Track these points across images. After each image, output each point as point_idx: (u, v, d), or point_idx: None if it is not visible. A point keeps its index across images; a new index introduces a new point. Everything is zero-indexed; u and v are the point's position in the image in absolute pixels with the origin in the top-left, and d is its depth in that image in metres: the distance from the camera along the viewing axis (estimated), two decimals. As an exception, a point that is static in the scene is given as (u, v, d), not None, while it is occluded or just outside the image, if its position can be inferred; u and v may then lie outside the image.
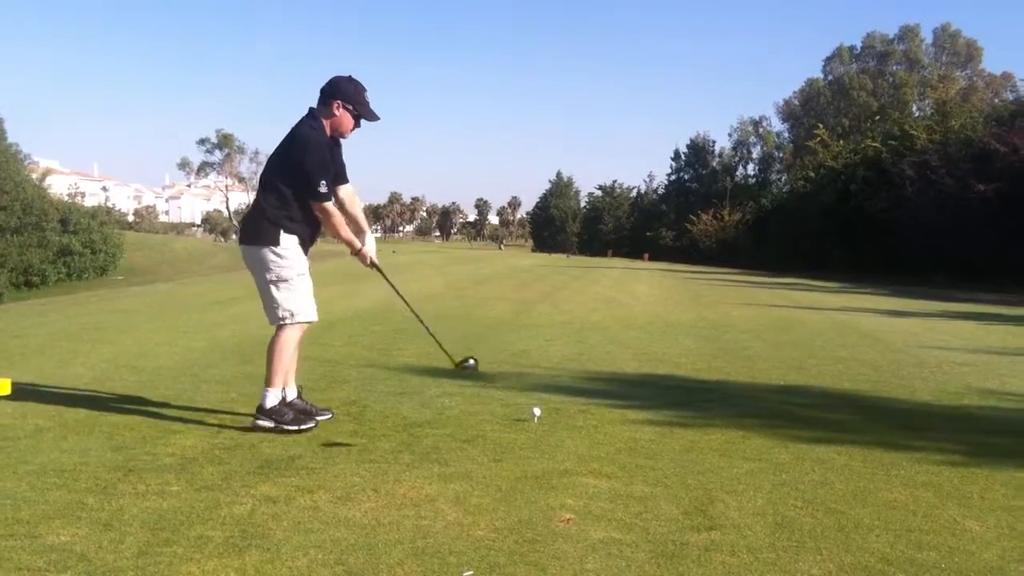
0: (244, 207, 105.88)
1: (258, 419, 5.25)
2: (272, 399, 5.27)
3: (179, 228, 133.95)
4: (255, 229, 5.32)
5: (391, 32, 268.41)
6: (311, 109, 5.35)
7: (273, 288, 5.31)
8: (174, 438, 5.01)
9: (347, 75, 5.39)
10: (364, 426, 5.35)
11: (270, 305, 5.34)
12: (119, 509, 3.77)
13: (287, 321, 5.32)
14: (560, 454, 4.91)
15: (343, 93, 5.32)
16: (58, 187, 68.89)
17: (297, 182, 5.24)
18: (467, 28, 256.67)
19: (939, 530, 3.85)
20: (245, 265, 5.47)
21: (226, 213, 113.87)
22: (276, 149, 5.42)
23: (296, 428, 5.24)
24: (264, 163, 5.58)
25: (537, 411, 5.67)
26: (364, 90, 5.39)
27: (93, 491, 4.00)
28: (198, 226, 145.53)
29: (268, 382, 5.28)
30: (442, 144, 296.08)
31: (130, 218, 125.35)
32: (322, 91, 5.36)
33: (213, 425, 5.36)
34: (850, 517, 3.98)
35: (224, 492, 4.03)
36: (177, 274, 26.80)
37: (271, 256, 5.28)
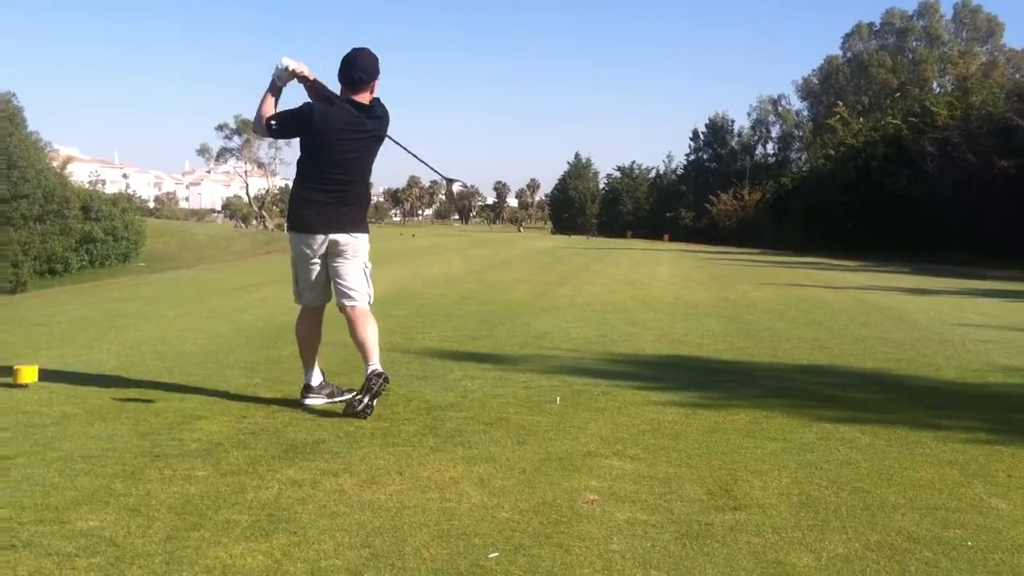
0: (264, 192, 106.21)
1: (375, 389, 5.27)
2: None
3: (199, 214, 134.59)
4: (359, 218, 5.49)
5: (409, 14, 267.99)
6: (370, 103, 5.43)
7: (367, 273, 5.51)
8: (199, 423, 5.04)
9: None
10: (387, 410, 5.37)
11: (363, 290, 5.47)
12: (146, 494, 3.80)
13: (371, 301, 5.53)
14: (583, 436, 4.91)
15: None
16: (79, 175, 69.30)
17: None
18: (485, 10, 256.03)
19: (965, 508, 3.83)
20: (331, 252, 5.42)
21: (246, 199, 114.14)
22: (364, 133, 5.38)
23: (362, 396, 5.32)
24: (351, 152, 5.40)
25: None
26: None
27: (120, 476, 4.04)
28: (218, 212, 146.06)
29: (374, 357, 5.34)
30: (460, 127, 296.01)
31: (151, 205, 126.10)
32: (375, 71, 5.41)
33: (238, 410, 5.38)
34: (876, 496, 3.97)
35: (250, 476, 4.06)
36: (199, 260, 26.92)
37: (367, 244, 5.55)
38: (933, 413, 5.75)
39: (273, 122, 5.34)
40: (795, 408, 5.75)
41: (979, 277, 22.79)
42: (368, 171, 5.52)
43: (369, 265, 5.53)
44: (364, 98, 5.38)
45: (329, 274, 5.48)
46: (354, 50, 5.38)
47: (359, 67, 5.33)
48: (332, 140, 5.27)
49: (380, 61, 5.43)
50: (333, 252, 5.39)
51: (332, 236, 5.33)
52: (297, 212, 5.44)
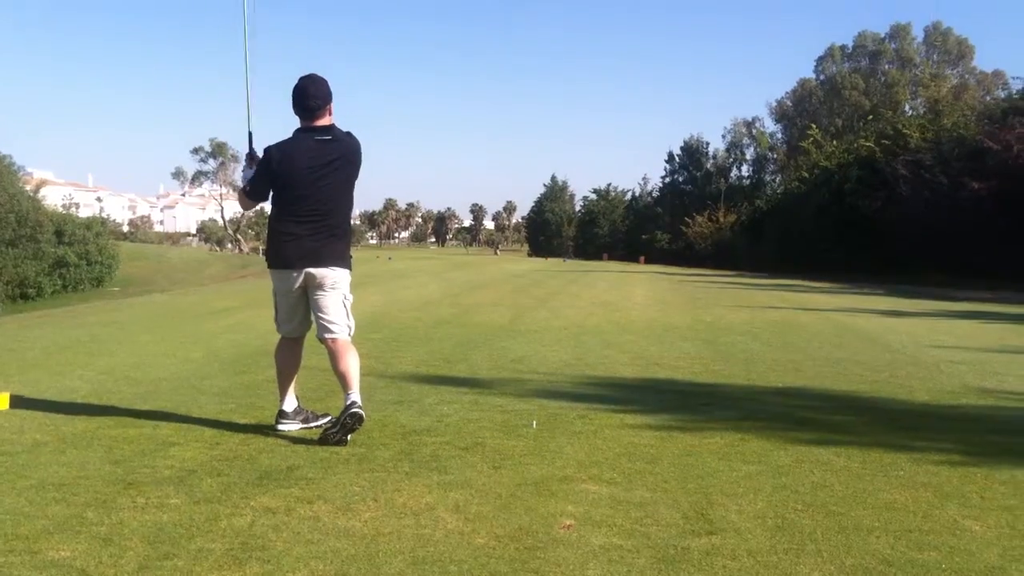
0: (239, 215, 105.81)
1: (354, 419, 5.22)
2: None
3: (174, 238, 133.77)
4: (341, 253, 5.46)
5: (384, 37, 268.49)
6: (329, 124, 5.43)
7: (349, 304, 5.50)
8: (173, 450, 5.01)
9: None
10: (363, 435, 5.34)
11: (343, 322, 5.44)
12: (119, 523, 3.76)
13: (351, 333, 5.50)
14: (560, 460, 4.91)
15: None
16: (53, 198, 68.76)
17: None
18: (460, 32, 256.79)
19: (939, 530, 3.85)
20: (310, 285, 5.39)
21: (221, 222, 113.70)
22: (330, 161, 5.35)
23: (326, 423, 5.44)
24: (318, 181, 5.32)
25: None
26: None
27: (92, 505, 4.00)
28: (193, 235, 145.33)
29: (354, 387, 5.30)
30: (437, 150, 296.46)
31: (125, 228, 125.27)
32: (327, 95, 5.40)
33: (212, 437, 5.35)
34: (850, 519, 3.98)
35: (224, 504, 4.03)
36: (173, 284, 26.76)
37: (349, 278, 5.54)
38: (907, 435, 5.78)
39: (247, 187, 5.45)
40: (770, 431, 5.77)
41: (952, 299, 22.97)
42: (343, 202, 5.46)
43: (350, 297, 5.51)
44: (324, 122, 5.39)
45: (309, 305, 5.47)
46: (302, 79, 5.36)
47: (311, 95, 5.32)
48: (298, 174, 5.26)
49: (329, 83, 5.42)
50: (312, 285, 5.37)
51: (310, 270, 5.32)
52: (274, 247, 5.43)
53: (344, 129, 5.47)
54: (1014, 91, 40.76)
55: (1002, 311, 18.83)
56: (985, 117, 37.97)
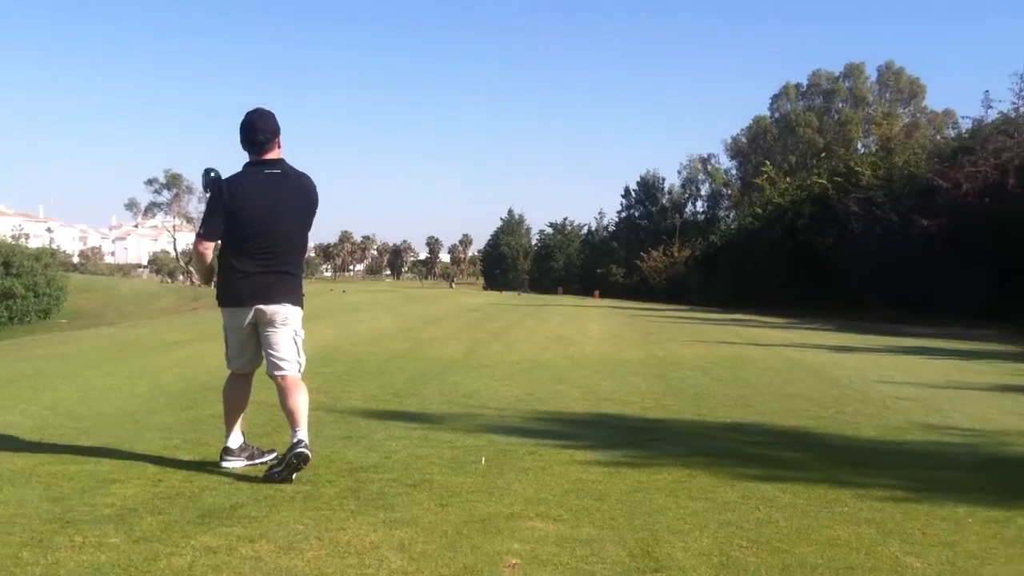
0: (191, 246, 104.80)
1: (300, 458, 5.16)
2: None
3: (125, 269, 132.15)
4: (292, 290, 5.41)
5: (335, 70, 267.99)
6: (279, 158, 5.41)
7: (300, 341, 5.45)
8: (114, 487, 4.92)
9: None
10: (309, 472, 5.28)
11: (293, 359, 5.39)
12: (55, 563, 3.69)
13: (302, 370, 5.46)
14: (507, 497, 4.89)
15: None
16: (2, 229, 67.87)
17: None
18: (415, 64, 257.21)
19: (881, 567, 3.88)
20: (260, 321, 5.34)
21: (173, 254, 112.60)
22: (290, 200, 5.35)
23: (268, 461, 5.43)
24: (269, 217, 5.28)
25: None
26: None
27: (28, 544, 3.91)
28: (145, 267, 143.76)
29: (302, 424, 5.24)
30: (394, 182, 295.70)
31: (75, 259, 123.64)
32: (275, 129, 5.38)
33: (154, 473, 5.27)
34: (794, 556, 4.00)
35: (164, 543, 3.96)
36: (122, 317, 26.33)
37: (301, 314, 5.48)
38: (853, 471, 5.84)
39: (200, 231, 5.37)
40: (718, 467, 5.79)
41: (901, 334, 23.25)
42: (296, 239, 5.44)
43: (301, 333, 5.47)
44: (273, 156, 5.37)
45: (260, 342, 5.42)
46: (249, 114, 5.35)
47: (258, 128, 5.31)
48: (248, 208, 5.24)
49: (277, 116, 5.42)
50: (263, 321, 5.32)
51: (260, 307, 5.28)
52: (225, 285, 5.38)
53: (299, 168, 5.46)
54: (964, 130, 41.48)
55: (948, 347, 19.09)
56: (935, 156, 38.60)
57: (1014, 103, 35.49)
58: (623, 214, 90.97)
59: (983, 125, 36.40)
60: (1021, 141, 32.06)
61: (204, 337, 15.30)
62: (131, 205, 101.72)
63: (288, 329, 5.37)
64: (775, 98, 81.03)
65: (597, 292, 67.44)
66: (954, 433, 7.53)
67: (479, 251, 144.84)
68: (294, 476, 5.11)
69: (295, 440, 5.12)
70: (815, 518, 4.62)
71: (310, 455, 5.14)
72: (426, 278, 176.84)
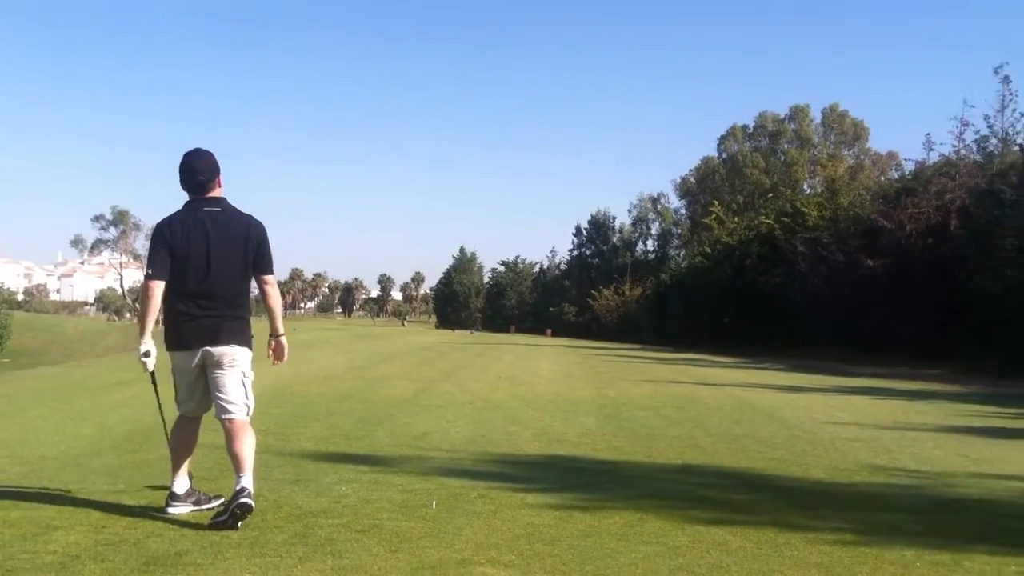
0: (139, 284, 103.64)
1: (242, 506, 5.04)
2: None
3: (71, 307, 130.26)
4: (240, 331, 5.34)
5: (285, 103, 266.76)
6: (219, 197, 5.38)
7: (249, 384, 5.37)
8: (56, 534, 4.81)
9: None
10: (256, 516, 5.19)
11: (241, 401, 5.31)
12: (-9, 615, 3.59)
13: (250, 413, 5.37)
14: (458, 542, 4.85)
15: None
16: (-56, 266, 66.57)
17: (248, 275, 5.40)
18: (365, 100, 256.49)
19: (831, 612, 3.89)
20: (208, 363, 5.28)
21: (120, 291, 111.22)
22: (233, 238, 5.29)
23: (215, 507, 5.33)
24: (212, 255, 5.23)
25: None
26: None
27: (-36, 596, 3.81)
28: (91, 305, 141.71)
29: (246, 470, 5.15)
30: (345, 219, 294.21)
31: (19, 297, 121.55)
32: (215, 168, 5.35)
33: (98, 519, 5.15)
34: (745, 601, 4.00)
35: (106, 593, 3.87)
36: (68, 356, 25.99)
37: (250, 355, 5.39)
38: (802, 514, 5.87)
39: (148, 271, 5.29)
40: (669, 510, 5.80)
41: (849, 374, 23.53)
42: (239, 278, 5.37)
43: (250, 375, 5.40)
44: (215, 195, 5.35)
45: (208, 385, 5.34)
46: (187, 155, 5.34)
47: (198, 170, 5.30)
48: (191, 247, 5.20)
49: (216, 155, 5.40)
50: (211, 363, 5.26)
51: (208, 348, 5.22)
52: (171, 328, 5.31)
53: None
54: (907, 172, 42.29)
55: (895, 387, 19.36)
56: (880, 197, 39.28)
57: (954, 146, 36.38)
58: (575, 252, 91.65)
59: (925, 167, 37.17)
60: (962, 183, 32.77)
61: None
62: (77, 242, 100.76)
63: (236, 371, 5.31)
64: (723, 139, 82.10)
65: (549, 331, 67.62)
66: (901, 475, 7.61)
67: (431, 289, 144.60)
68: (239, 523, 5.02)
69: (238, 488, 5.03)
70: (765, 562, 4.63)
71: (253, 504, 5.03)
72: (378, 316, 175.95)
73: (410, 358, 23.98)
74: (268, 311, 5.54)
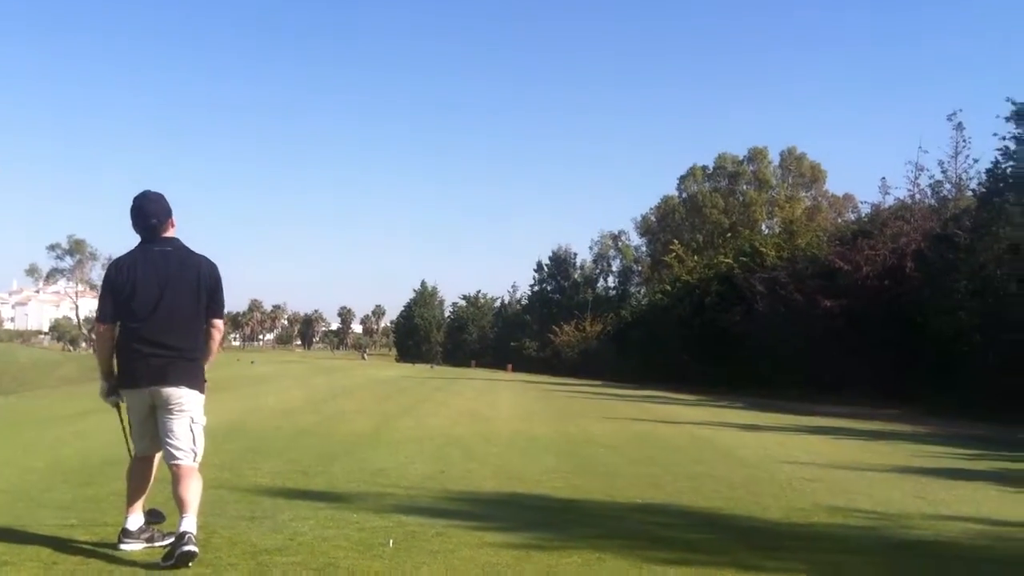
0: (93, 313, 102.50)
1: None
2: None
3: (25, 336, 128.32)
4: (191, 373, 5.27)
5: (243, 131, 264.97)
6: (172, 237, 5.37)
7: (198, 429, 5.28)
8: (5, 570, 4.71)
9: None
10: (210, 554, 5.12)
11: (188, 448, 5.22)
12: (-66, 656, 3.50)
13: (198, 460, 5.29)
14: (415, 582, 4.80)
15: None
16: None
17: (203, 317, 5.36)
18: (326, 132, 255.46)
19: (788, 655, 3.89)
20: (157, 404, 5.21)
21: (75, 320, 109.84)
22: (185, 278, 5.25)
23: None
24: (163, 296, 5.20)
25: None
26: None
27: (-94, 636, 3.71)
28: (46, 334, 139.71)
29: (190, 513, 5.05)
30: (305, 251, 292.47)
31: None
32: (166, 211, 5.34)
33: (48, 556, 5.04)
34: (703, 644, 3.99)
35: (53, 633, 3.79)
36: (20, 386, 25.56)
37: (201, 400, 5.34)
38: (759, 554, 5.87)
39: (97, 314, 5.31)
40: (627, 549, 5.78)
41: (809, 413, 23.66)
42: (189, 318, 5.30)
43: (200, 421, 5.31)
44: (168, 235, 5.35)
45: (158, 426, 5.27)
46: (137, 199, 5.30)
47: (149, 213, 5.28)
48: (140, 287, 5.17)
49: (166, 197, 5.39)
50: (159, 404, 5.19)
51: (156, 388, 5.15)
52: (122, 365, 5.26)
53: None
54: (863, 214, 42.87)
55: (854, 427, 19.50)
56: (836, 238, 39.76)
57: (910, 190, 36.94)
58: (536, 288, 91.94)
59: (881, 210, 37.69)
60: (917, 227, 33.28)
61: (106, 408, 14.78)
62: (32, 270, 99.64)
63: (185, 417, 5.22)
64: (683, 178, 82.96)
65: (510, 366, 67.62)
66: (859, 516, 7.64)
67: (392, 322, 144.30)
68: (191, 564, 4.92)
69: (181, 531, 4.90)
70: (723, 603, 4.63)
71: (197, 551, 4.90)
72: (338, 348, 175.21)
73: (370, 392, 23.85)
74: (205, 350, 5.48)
